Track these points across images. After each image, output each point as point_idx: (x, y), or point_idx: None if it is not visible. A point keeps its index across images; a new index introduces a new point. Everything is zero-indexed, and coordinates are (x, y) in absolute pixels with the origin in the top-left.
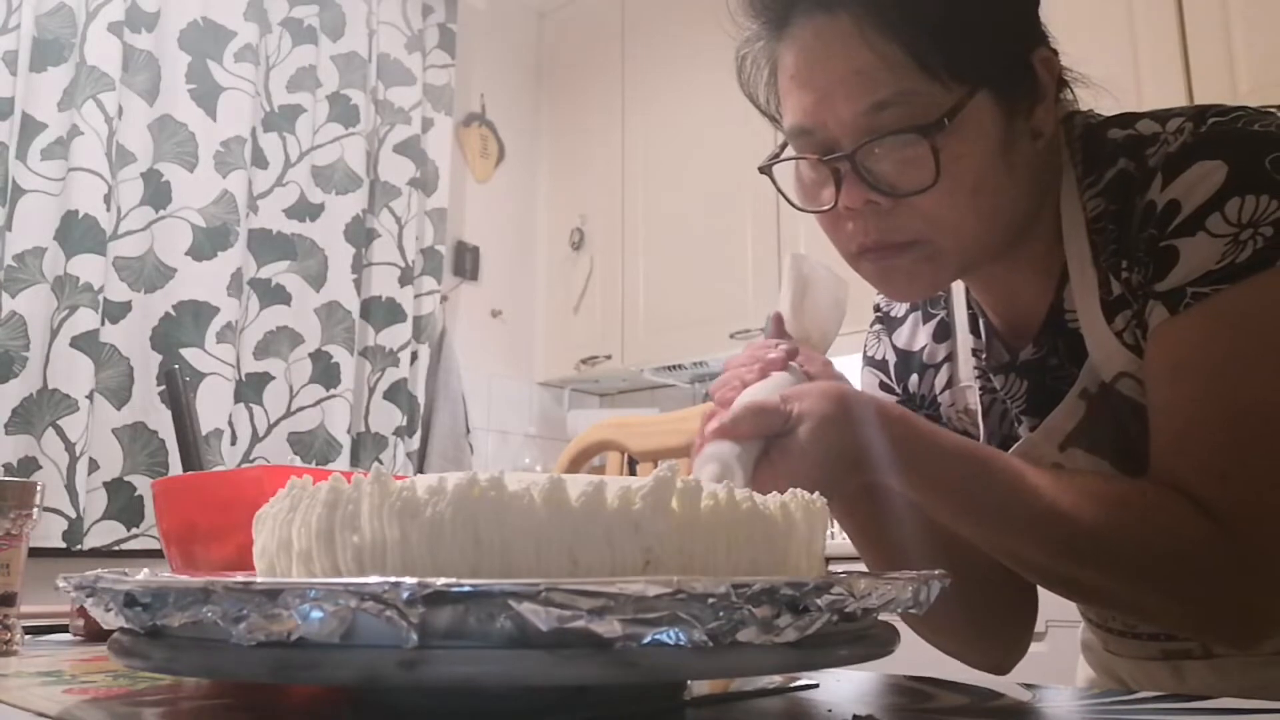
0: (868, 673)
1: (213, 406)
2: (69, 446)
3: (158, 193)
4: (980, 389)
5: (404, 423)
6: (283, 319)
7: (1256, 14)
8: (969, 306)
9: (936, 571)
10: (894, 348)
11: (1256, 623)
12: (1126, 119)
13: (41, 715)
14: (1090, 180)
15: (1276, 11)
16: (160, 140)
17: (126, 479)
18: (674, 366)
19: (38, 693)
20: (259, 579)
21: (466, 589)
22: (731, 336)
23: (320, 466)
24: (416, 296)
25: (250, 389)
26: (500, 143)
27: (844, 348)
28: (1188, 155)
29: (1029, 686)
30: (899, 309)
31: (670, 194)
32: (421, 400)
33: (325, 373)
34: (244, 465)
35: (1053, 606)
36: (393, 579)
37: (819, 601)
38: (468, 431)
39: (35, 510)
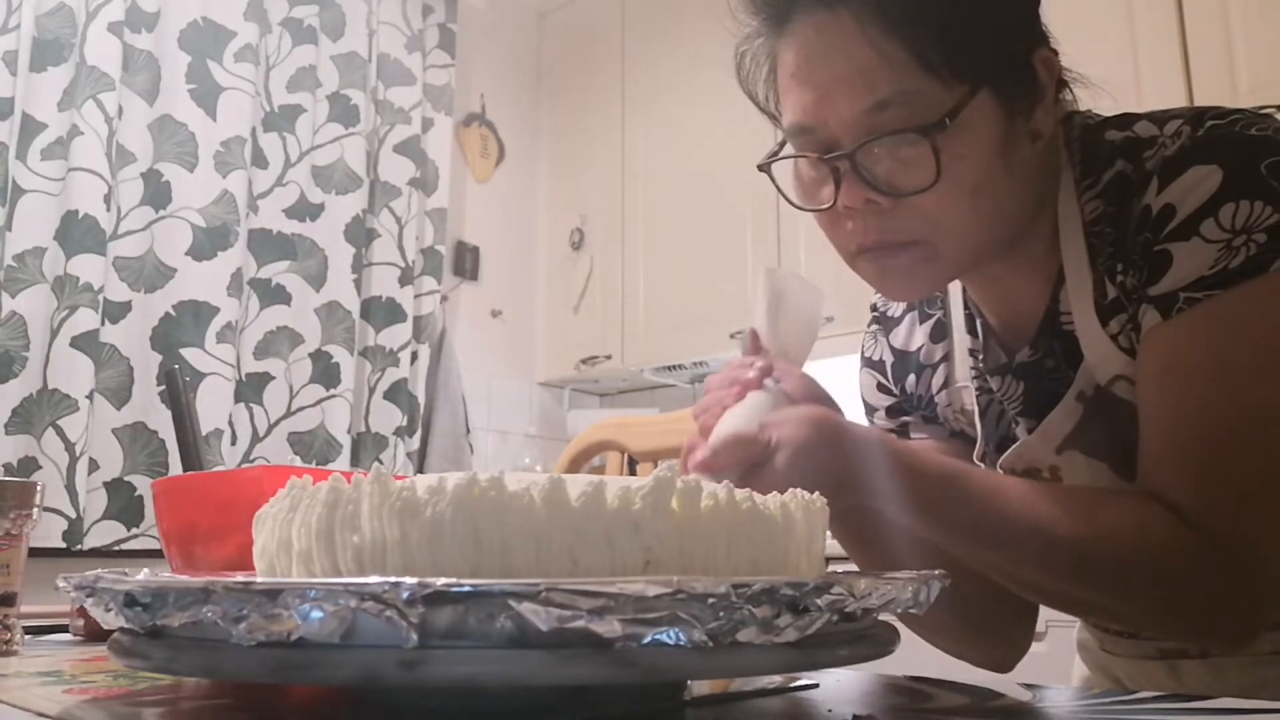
0: (868, 673)
1: (213, 406)
2: (69, 446)
3: (158, 193)
4: (977, 390)
5: (404, 423)
6: (283, 319)
7: (1256, 14)
8: (966, 307)
9: (936, 571)
10: (891, 348)
11: (1243, 627)
12: (1124, 120)
13: (41, 715)
14: (1088, 182)
15: (1276, 11)
16: (160, 140)
17: (126, 479)
18: (674, 366)
19: (38, 693)
20: (259, 579)
21: (466, 589)
22: (731, 336)
23: (320, 466)
24: (416, 296)
25: (250, 389)
26: (500, 143)
27: (842, 348)
28: (1184, 159)
29: (1029, 686)
30: (896, 309)
31: (670, 194)
32: (421, 400)
33: (325, 373)
34: (244, 465)
35: None
36: (392, 579)
37: (819, 601)
38: (468, 431)
39: (35, 510)
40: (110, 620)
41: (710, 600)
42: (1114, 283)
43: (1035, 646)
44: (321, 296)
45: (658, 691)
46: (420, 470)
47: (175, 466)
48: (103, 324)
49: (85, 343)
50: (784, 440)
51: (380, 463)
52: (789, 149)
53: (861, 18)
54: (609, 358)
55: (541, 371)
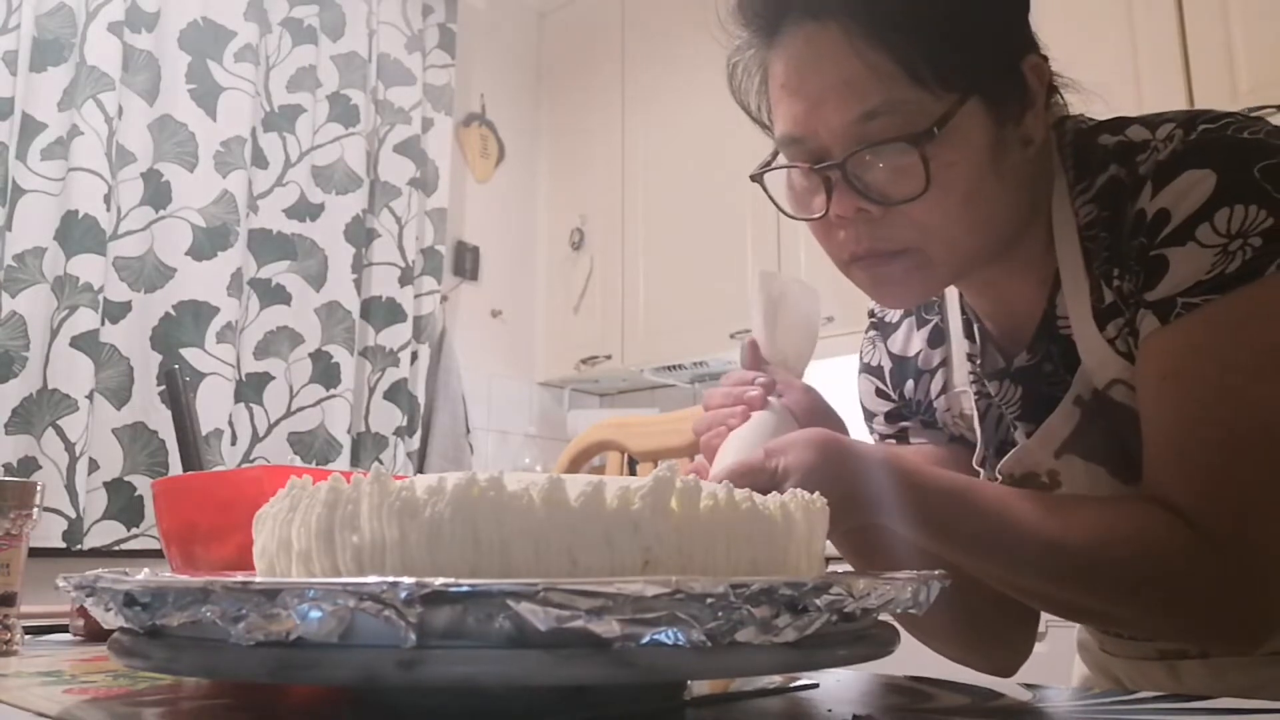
0: (867, 673)
1: (213, 406)
2: (69, 446)
3: (158, 193)
4: (976, 394)
5: (404, 423)
6: (283, 319)
7: (1256, 14)
8: (963, 312)
9: (936, 572)
10: (889, 353)
11: (1253, 630)
12: (1117, 124)
13: (41, 715)
14: (1082, 186)
15: (1276, 11)
16: (160, 140)
17: (126, 479)
18: (674, 366)
19: (38, 693)
20: (258, 579)
21: (464, 589)
22: (731, 336)
23: (320, 466)
24: (416, 296)
25: (250, 389)
26: (500, 143)
27: (841, 349)
28: (1177, 163)
29: (1029, 686)
30: (893, 314)
31: (670, 194)
32: (421, 400)
33: (325, 373)
34: (244, 465)
35: None
36: (391, 579)
37: (818, 601)
38: (468, 431)
39: (35, 510)
40: (110, 620)
41: (709, 600)
42: (1110, 287)
43: (1035, 646)
44: (321, 296)
45: (657, 691)
46: (420, 470)
47: (175, 466)
48: (103, 324)
49: (85, 343)
50: (791, 468)
51: (380, 463)
52: (781, 159)
53: (849, 30)
54: (609, 358)
55: (541, 371)
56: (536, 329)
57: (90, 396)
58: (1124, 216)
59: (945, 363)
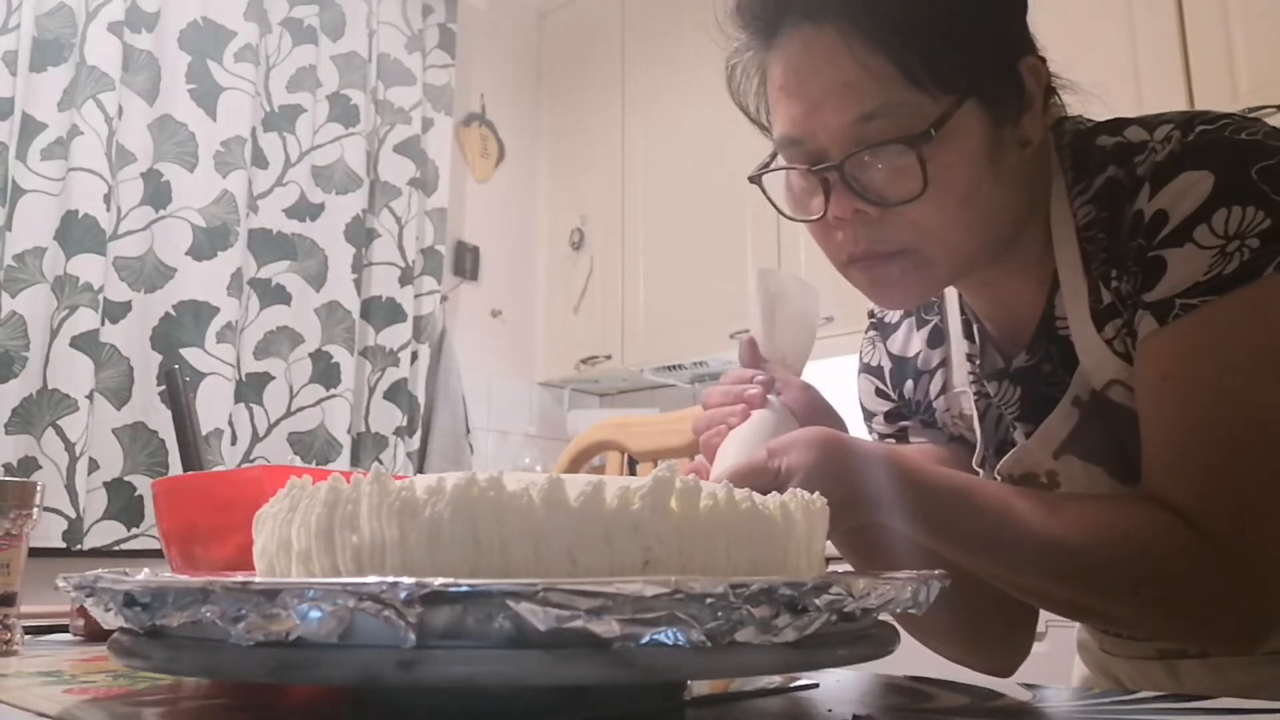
0: (867, 673)
1: (213, 406)
2: (69, 446)
3: (158, 193)
4: (975, 395)
5: (404, 423)
6: (283, 319)
7: (1256, 14)
8: (963, 312)
9: (936, 572)
10: (889, 354)
11: (1252, 630)
12: (1115, 125)
13: (41, 715)
14: (1080, 187)
15: (1276, 11)
16: (160, 140)
17: (126, 479)
18: (674, 366)
19: (38, 693)
20: (258, 579)
21: (464, 589)
22: (731, 336)
23: (320, 466)
24: (416, 296)
25: (250, 389)
26: (500, 143)
27: (840, 349)
28: (1175, 164)
29: (1029, 686)
30: (893, 315)
31: (670, 194)
32: (421, 400)
33: (325, 373)
34: (244, 465)
35: None
36: (390, 579)
37: (818, 601)
38: (468, 431)
39: (35, 510)
40: (110, 620)
41: (709, 600)
42: (1108, 288)
43: (1035, 646)
44: (321, 296)
45: (657, 691)
46: (420, 470)
47: (175, 466)
48: (103, 324)
49: (85, 343)
50: (794, 467)
51: (380, 463)
52: (779, 160)
53: (847, 32)
54: (609, 358)
55: (541, 371)
56: (536, 329)
57: (90, 396)
58: (1122, 217)
59: (945, 363)
